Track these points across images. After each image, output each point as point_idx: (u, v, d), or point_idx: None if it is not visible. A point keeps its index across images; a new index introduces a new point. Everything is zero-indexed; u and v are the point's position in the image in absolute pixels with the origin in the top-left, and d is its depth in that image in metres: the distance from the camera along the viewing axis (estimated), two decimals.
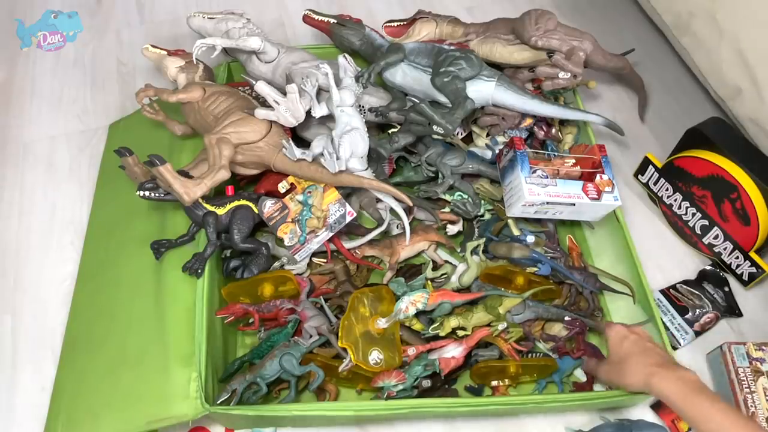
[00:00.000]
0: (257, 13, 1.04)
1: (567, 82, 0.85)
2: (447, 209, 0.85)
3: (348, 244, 0.83)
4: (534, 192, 0.75)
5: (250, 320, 0.77)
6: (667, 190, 0.93)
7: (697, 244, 0.91)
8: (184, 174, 0.74)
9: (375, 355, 0.71)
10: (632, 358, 0.65)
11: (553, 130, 0.90)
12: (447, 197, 0.85)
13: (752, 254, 0.84)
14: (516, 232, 0.83)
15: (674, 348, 0.82)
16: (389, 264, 0.81)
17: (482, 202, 0.86)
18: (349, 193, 0.83)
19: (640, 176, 0.97)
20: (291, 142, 0.77)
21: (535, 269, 0.80)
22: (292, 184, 0.80)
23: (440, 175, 0.85)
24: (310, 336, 0.74)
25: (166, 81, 0.93)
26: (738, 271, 0.88)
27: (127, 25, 1.19)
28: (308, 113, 0.78)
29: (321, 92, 0.82)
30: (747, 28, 0.79)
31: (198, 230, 0.78)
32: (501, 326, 0.76)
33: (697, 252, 0.92)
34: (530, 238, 0.81)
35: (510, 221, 0.84)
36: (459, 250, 0.85)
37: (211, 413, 0.66)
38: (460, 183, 0.85)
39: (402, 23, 0.97)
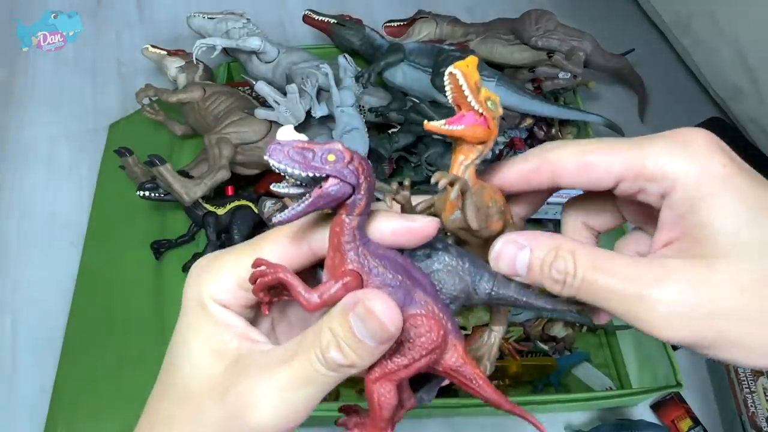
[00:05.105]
0: (257, 13, 1.03)
1: (567, 82, 0.85)
2: None
3: None
4: None
5: None
6: None
7: None
8: (184, 174, 0.74)
9: None
10: None
11: (553, 130, 0.90)
12: None
13: None
14: None
15: (675, 348, 0.82)
16: None
17: None
18: None
19: None
20: None
21: None
22: None
23: None
24: None
25: (166, 81, 0.93)
26: None
27: (127, 25, 1.19)
28: (308, 113, 0.78)
29: (321, 92, 0.82)
30: (747, 28, 0.79)
31: (198, 230, 0.78)
32: None
33: None
34: None
35: None
36: None
37: None
38: None
39: (402, 23, 0.97)
